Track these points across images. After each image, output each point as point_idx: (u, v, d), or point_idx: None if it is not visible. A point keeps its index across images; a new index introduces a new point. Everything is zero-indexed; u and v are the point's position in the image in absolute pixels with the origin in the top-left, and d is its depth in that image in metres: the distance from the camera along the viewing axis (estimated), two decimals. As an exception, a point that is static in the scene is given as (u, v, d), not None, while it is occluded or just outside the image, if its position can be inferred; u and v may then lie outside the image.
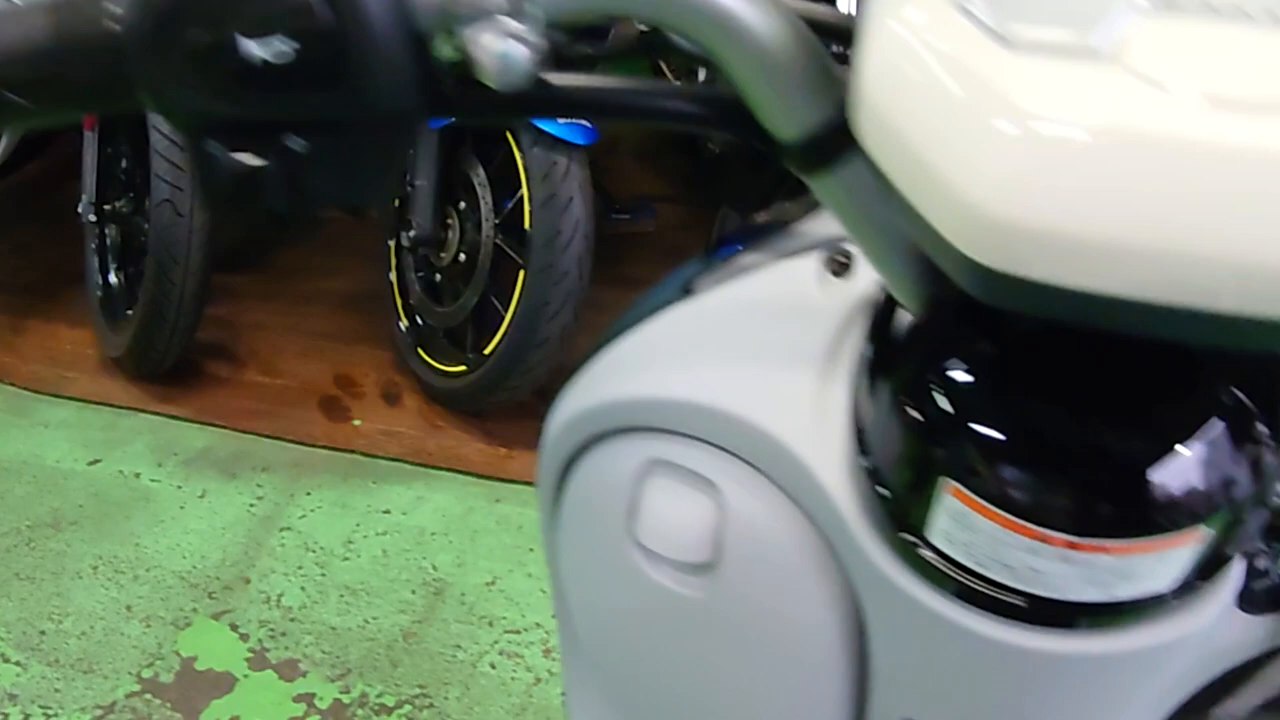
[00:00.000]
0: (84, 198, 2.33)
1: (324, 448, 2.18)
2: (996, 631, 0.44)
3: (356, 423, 2.27)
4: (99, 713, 1.67)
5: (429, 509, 2.06)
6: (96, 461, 2.16)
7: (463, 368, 2.18)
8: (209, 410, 2.28)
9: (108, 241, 2.41)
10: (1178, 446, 0.40)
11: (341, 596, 1.86)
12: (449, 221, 2.20)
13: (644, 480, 0.54)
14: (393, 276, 2.36)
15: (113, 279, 2.41)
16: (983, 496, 0.41)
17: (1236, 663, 0.53)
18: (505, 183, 2.09)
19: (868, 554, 0.47)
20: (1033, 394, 0.41)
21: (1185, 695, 0.53)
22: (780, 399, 0.50)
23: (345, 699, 1.70)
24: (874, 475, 0.46)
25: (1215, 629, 0.49)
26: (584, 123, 1.92)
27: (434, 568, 1.93)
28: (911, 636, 0.48)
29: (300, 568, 1.92)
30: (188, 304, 2.17)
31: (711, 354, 0.53)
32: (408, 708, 1.68)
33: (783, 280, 0.54)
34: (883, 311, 0.47)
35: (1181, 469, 0.40)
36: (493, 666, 1.74)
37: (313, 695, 1.70)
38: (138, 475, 2.12)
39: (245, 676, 1.74)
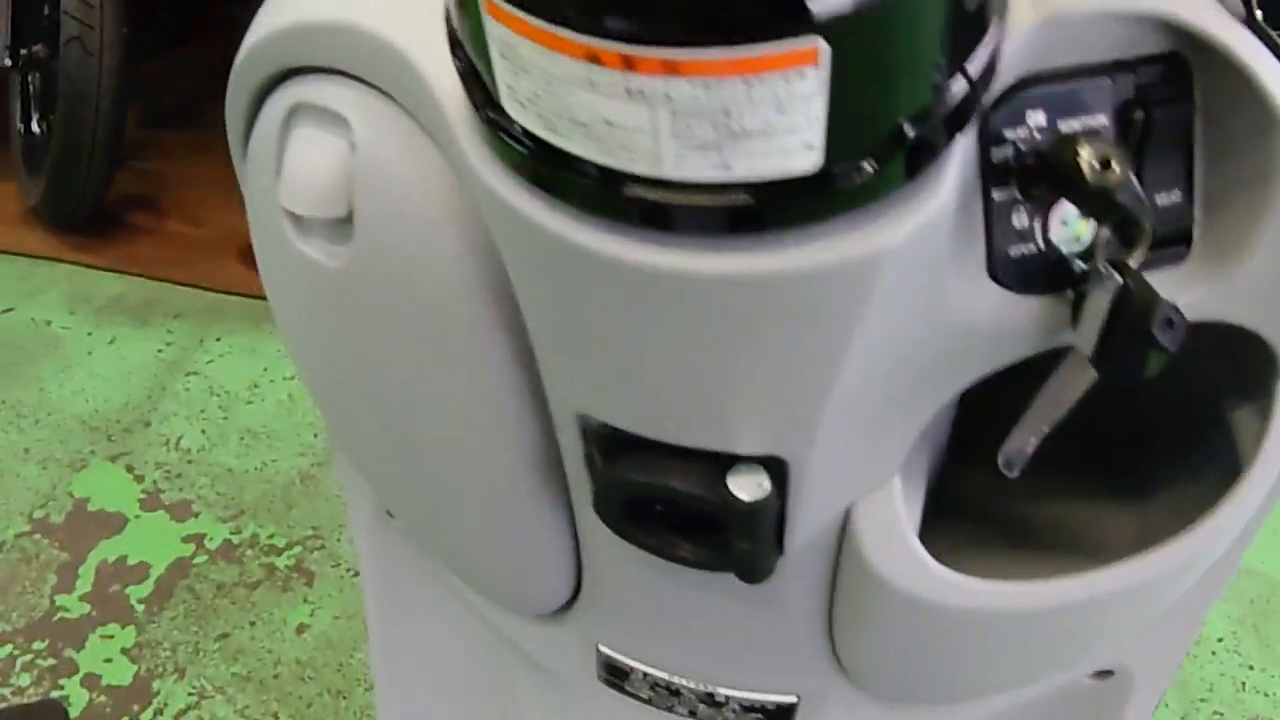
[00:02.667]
0: (-1, 42, 2.24)
1: (238, 294, 2.09)
2: (614, 247, 0.36)
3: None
4: (-19, 549, 1.62)
5: (344, 358, 1.98)
6: (9, 310, 2.09)
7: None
8: (127, 259, 2.20)
9: (30, 89, 2.32)
10: None
11: (242, 439, 1.80)
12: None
13: (288, 132, 0.47)
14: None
15: (35, 127, 2.32)
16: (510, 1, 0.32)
17: (1005, 360, 0.44)
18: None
19: (473, 165, 0.38)
20: None
21: (950, 392, 0.44)
22: (406, 10, 0.42)
23: (235, 539, 1.64)
24: (455, 50, 0.38)
25: (963, 301, 0.41)
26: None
27: (342, 414, 1.86)
28: (541, 277, 0.40)
29: (203, 411, 1.85)
30: (100, 147, 2.07)
31: None
32: (298, 549, 1.63)
33: None
34: None
35: None
36: (391, 510, 1.68)
37: (203, 535, 1.65)
38: (49, 323, 2.06)
39: (136, 517, 1.68)
